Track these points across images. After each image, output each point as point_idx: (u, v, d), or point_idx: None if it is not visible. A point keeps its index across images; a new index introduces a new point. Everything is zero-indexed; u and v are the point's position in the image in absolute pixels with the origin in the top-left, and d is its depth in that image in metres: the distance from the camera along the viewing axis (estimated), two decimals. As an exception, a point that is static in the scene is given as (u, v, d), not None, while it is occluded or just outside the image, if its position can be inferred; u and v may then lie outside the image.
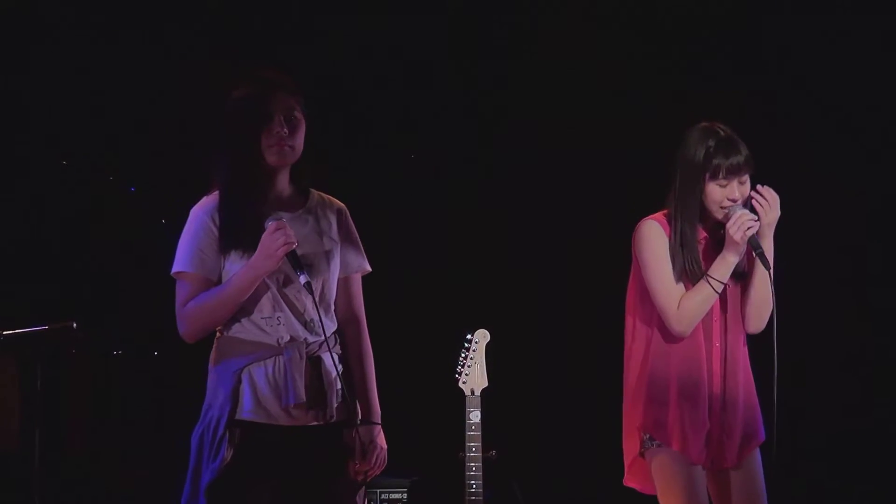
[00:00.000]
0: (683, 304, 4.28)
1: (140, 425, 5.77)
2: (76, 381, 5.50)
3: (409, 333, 6.34)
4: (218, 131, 3.95)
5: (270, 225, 3.82)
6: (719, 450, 4.33)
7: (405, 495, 5.78)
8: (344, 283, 4.07)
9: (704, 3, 6.33)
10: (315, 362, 3.91)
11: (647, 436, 4.34)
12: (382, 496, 5.74)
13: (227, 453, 3.80)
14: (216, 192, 3.95)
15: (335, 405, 3.92)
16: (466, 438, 4.86)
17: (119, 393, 5.70)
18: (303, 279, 3.83)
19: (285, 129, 3.88)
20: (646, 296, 4.37)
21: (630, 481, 4.46)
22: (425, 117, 6.61)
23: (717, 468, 4.36)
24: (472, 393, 4.89)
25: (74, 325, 5.04)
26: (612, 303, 4.76)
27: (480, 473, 4.85)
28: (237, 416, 3.84)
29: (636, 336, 4.40)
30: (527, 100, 6.56)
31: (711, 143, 4.27)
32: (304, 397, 3.85)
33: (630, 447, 4.42)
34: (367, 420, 4.03)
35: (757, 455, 4.39)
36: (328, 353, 3.93)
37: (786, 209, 4.35)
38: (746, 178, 4.29)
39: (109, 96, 6.13)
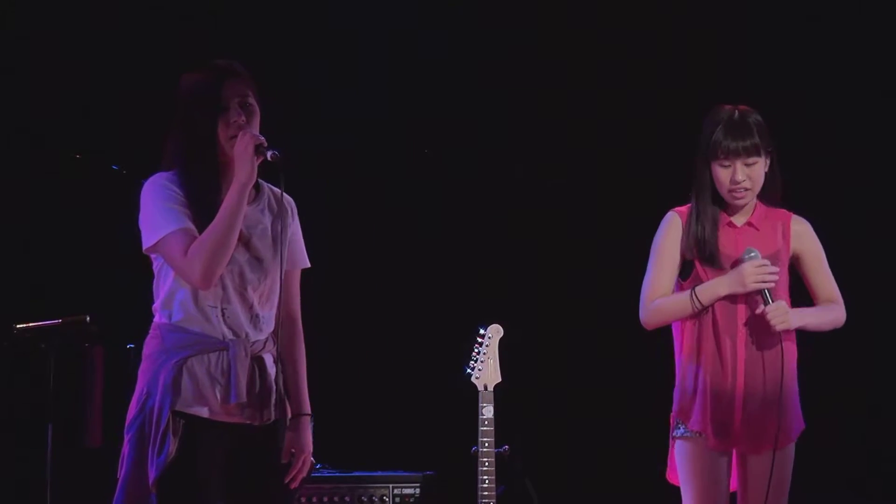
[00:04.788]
0: (659, 303, 4.34)
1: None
2: (89, 375, 5.49)
3: (422, 328, 6.33)
4: (172, 117, 3.87)
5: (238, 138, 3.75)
6: (748, 443, 4.34)
7: (418, 490, 5.77)
8: (284, 277, 3.93)
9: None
10: (258, 361, 3.85)
11: (678, 421, 4.39)
12: (395, 491, 5.74)
13: (173, 447, 3.72)
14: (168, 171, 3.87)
15: (273, 406, 3.87)
16: (479, 434, 4.85)
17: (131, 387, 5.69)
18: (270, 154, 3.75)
19: (242, 118, 3.81)
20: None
21: (669, 472, 4.48)
22: (437, 113, 6.59)
23: (747, 454, 4.37)
24: (486, 388, 4.88)
25: (88, 318, 5.03)
26: (626, 299, 4.75)
27: (493, 469, 4.85)
28: (177, 408, 3.75)
29: (683, 330, 4.40)
30: (555, 94, 6.54)
31: (719, 124, 4.30)
32: (245, 396, 3.79)
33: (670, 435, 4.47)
34: (299, 413, 3.95)
35: (790, 448, 4.38)
36: (268, 353, 3.89)
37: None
38: (754, 160, 4.28)
39: (116, 95, 6.12)
